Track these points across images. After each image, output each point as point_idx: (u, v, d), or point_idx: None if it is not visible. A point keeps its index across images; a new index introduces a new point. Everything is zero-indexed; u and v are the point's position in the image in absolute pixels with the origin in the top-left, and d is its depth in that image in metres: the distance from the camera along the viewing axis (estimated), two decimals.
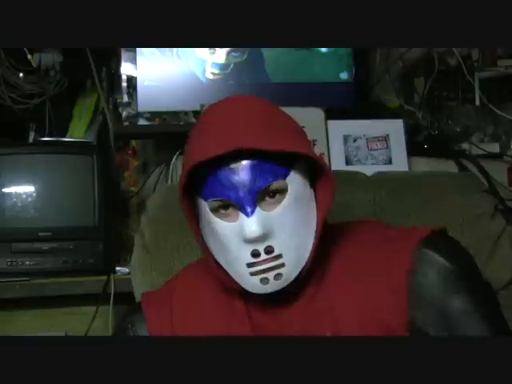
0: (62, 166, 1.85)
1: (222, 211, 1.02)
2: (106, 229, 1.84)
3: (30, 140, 2.01)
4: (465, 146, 2.19)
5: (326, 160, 1.93)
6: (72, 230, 1.81)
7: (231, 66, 2.10)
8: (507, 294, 1.38)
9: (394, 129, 2.03)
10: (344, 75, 2.16)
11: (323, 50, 2.15)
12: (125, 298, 1.67)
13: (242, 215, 1.00)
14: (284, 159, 1.01)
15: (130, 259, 1.53)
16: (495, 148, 2.21)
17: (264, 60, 2.12)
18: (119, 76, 2.04)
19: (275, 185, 1.01)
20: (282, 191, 1.01)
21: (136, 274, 1.43)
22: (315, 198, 1.06)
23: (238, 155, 0.99)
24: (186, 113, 2.06)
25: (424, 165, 2.04)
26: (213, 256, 1.06)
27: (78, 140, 2.09)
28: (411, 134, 2.11)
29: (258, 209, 1.00)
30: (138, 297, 1.42)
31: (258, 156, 0.99)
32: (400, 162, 1.98)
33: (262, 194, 1.00)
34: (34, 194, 1.81)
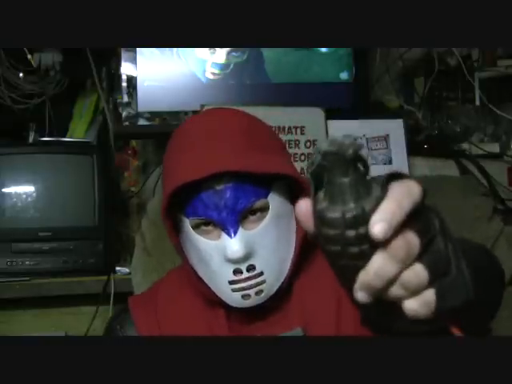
0: (61, 165, 1.85)
1: (204, 228, 1.03)
2: (106, 229, 1.84)
3: (30, 140, 2.01)
4: (465, 146, 2.19)
5: None
6: (72, 230, 1.81)
7: (231, 66, 2.10)
8: (506, 295, 1.38)
9: (394, 129, 2.03)
10: (344, 75, 2.16)
11: (323, 50, 2.15)
12: (125, 298, 1.66)
13: (224, 235, 1.01)
14: (265, 177, 1.01)
15: (130, 259, 1.54)
16: (495, 148, 2.21)
17: (264, 60, 2.12)
18: (119, 76, 2.04)
19: (258, 204, 1.02)
20: (264, 209, 1.02)
21: (137, 276, 1.44)
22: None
23: (220, 176, 0.99)
24: (186, 113, 2.06)
25: (424, 165, 2.04)
26: (195, 271, 1.07)
27: (78, 140, 2.09)
28: (411, 134, 2.11)
29: (240, 229, 1.01)
30: None
31: (239, 176, 1.00)
32: (400, 162, 1.98)
33: (244, 214, 1.01)
34: (34, 194, 1.81)
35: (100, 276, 1.77)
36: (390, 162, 1.99)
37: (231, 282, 1.02)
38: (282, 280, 1.05)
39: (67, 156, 1.87)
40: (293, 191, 1.07)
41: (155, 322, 1.13)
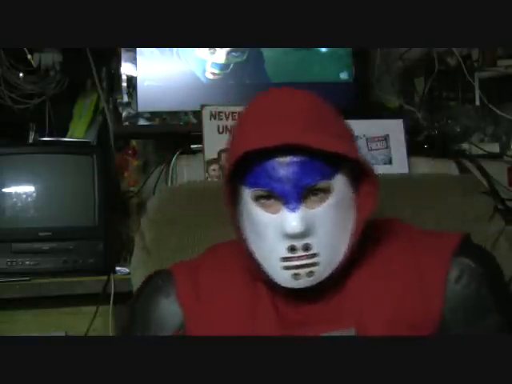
0: (62, 165, 1.85)
1: (264, 201, 1.03)
2: (106, 229, 1.84)
3: (30, 140, 2.01)
4: (465, 146, 2.19)
5: None
6: (72, 230, 1.81)
7: (231, 66, 2.10)
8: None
9: (394, 129, 2.03)
10: (344, 75, 2.16)
11: (323, 50, 2.15)
12: (125, 298, 1.67)
13: (284, 209, 1.01)
14: (331, 160, 1.01)
15: (130, 259, 1.53)
16: (495, 148, 2.21)
17: (264, 60, 2.12)
18: (119, 76, 2.04)
19: (321, 184, 1.01)
20: (326, 191, 1.02)
21: (136, 275, 1.43)
22: (356, 200, 1.06)
23: (287, 149, 0.99)
24: (185, 113, 2.06)
25: (424, 165, 2.04)
26: (247, 244, 1.06)
27: (78, 140, 2.09)
28: (411, 133, 2.11)
29: (301, 205, 1.00)
30: None
31: (307, 153, 0.99)
32: (400, 162, 1.98)
33: (306, 192, 1.01)
34: (34, 194, 1.81)
35: (100, 276, 1.77)
36: (390, 162, 1.99)
37: (284, 259, 1.02)
38: (335, 267, 1.03)
39: (67, 156, 1.87)
40: (355, 178, 1.06)
41: (195, 295, 1.11)
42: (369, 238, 1.10)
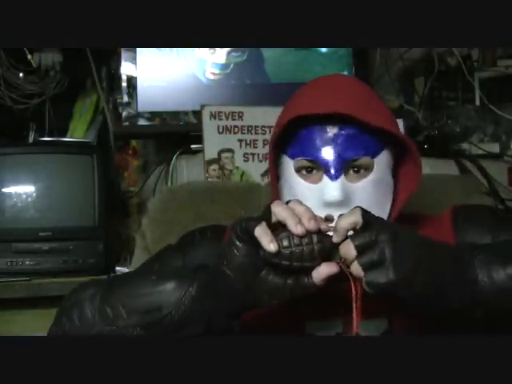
0: (62, 165, 1.85)
1: (305, 173, 1.05)
2: (106, 229, 1.84)
3: (30, 140, 2.01)
4: (465, 146, 2.19)
5: None
6: (72, 230, 1.81)
7: (231, 66, 2.10)
8: None
9: None
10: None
11: (323, 49, 2.15)
12: None
13: (325, 178, 1.03)
14: (377, 138, 1.04)
15: (130, 259, 1.53)
16: (495, 148, 2.21)
17: (264, 60, 2.12)
18: (119, 76, 2.04)
19: (363, 160, 1.04)
20: (368, 168, 1.04)
21: None
22: (395, 185, 1.09)
23: (335, 122, 1.02)
24: (185, 113, 2.06)
25: (424, 165, 2.02)
26: None
27: (78, 140, 2.09)
28: (411, 134, 2.11)
29: (342, 176, 1.03)
30: None
31: (354, 128, 1.02)
32: None
33: (348, 165, 1.03)
34: (34, 194, 1.81)
35: (100, 276, 1.77)
36: None
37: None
38: None
39: (67, 156, 1.87)
40: (396, 163, 1.09)
41: None
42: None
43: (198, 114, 1.97)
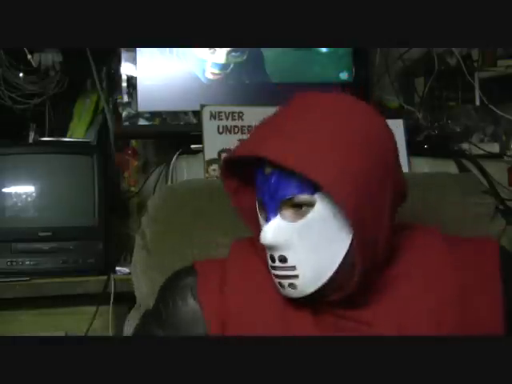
0: (62, 165, 1.85)
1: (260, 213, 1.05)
2: (106, 229, 1.84)
3: (30, 140, 2.01)
4: (465, 146, 2.19)
5: None
6: (72, 230, 1.81)
7: (231, 66, 2.10)
8: None
9: (394, 129, 2.00)
10: (344, 75, 2.16)
11: (323, 50, 2.15)
12: (125, 298, 1.67)
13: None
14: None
15: (130, 259, 1.53)
16: (495, 148, 2.21)
17: (264, 60, 2.12)
18: (119, 76, 2.04)
19: (300, 198, 0.99)
20: (309, 205, 0.99)
21: (137, 274, 1.43)
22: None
23: (270, 161, 0.99)
24: (185, 113, 2.06)
25: (424, 165, 2.04)
26: None
27: (78, 140, 2.09)
28: (411, 134, 2.11)
29: (278, 217, 1.00)
30: (138, 297, 1.42)
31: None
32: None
33: (286, 204, 1.00)
34: (34, 194, 1.81)
35: (100, 276, 1.77)
36: None
37: (270, 267, 1.03)
38: (322, 282, 1.00)
39: (67, 156, 1.87)
40: None
41: (218, 294, 1.09)
42: (405, 245, 1.09)
43: (197, 114, 1.97)
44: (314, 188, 0.98)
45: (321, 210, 0.99)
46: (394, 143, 1.06)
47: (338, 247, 1.00)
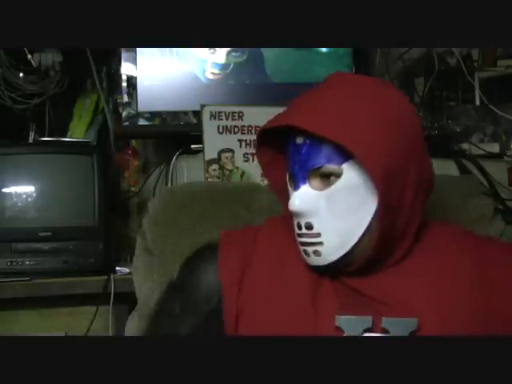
0: (62, 165, 1.85)
1: (290, 183, 1.09)
2: (106, 229, 1.84)
3: (30, 140, 2.00)
4: (465, 146, 2.19)
5: None
6: (72, 230, 1.81)
7: (231, 66, 2.10)
8: None
9: None
10: None
11: (323, 49, 2.15)
12: (125, 298, 1.67)
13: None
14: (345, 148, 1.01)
15: (130, 259, 1.53)
16: (495, 148, 2.21)
17: (264, 60, 2.12)
18: (119, 76, 2.04)
19: (328, 168, 1.04)
20: (336, 175, 1.03)
21: (138, 275, 1.43)
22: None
23: (303, 132, 1.03)
24: (185, 113, 2.06)
25: None
26: None
27: (78, 140, 2.09)
28: None
29: (306, 186, 1.05)
30: (139, 297, 1.42)
31: (317, 137, 1.02)
32: None
33: (314, 173, 1.04)
34: (34, 194, 1.81)
35: (100, 276, 1.77)
36: None
37: (297, 235, 1.07)
38: (346, 250, 1.04)
39: (67, 156, 1.86)
40: None
41: (240, 268, 1.12)
42: (428, 238, 1.12)
43: (197, 114, 1.97)
44: (342, 159, 1.03)
45: (347, 180, 1.03)
46: (421, 129, 1.10)
47: (362, 216, 1.04)
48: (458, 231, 1.16)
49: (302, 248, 1.07)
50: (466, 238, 1.14)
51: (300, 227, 1.05)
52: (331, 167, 1.03)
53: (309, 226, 1.04)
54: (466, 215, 1.46)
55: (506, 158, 2.19)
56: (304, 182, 1.05)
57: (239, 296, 1.10)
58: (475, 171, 2.06)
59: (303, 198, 1.04)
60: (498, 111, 2.20)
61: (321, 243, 1.04)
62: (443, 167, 2.04)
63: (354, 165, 1.03)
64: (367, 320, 1.03)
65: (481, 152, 2.17)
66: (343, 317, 1.03)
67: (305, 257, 1.07)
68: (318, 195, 1.04)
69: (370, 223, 1.04)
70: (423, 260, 1.09)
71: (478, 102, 2.26)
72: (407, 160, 1.04)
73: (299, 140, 1.05)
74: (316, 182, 1.05)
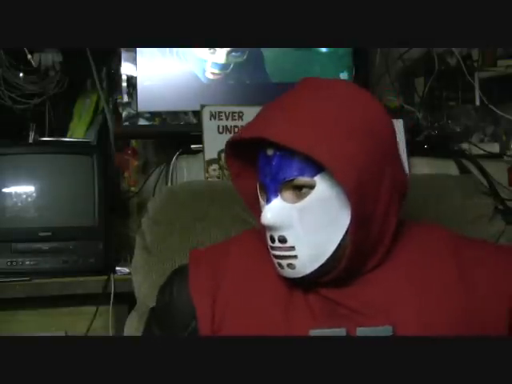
0: (62, 165, 1.85)
1: (261, 195, 1.07)
2: (106, 229, 1.84)
3: (30, 140, 2.00)
4: (465, 146, 2.19)
5: None
6: (72, 230, 1.81)
7: (231, 66, 2.10)
8: None
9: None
10: (344, 75, 2.16)
11: (323, 49, 2.15)
12: (125, 298, 1.67)
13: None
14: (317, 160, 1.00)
15: (130, 259, 1.53)
16: (495, 148, 2.21)
17: (264, 60, 2.12)
18: (119, 76, 2.04)
19: (300, 180, 1.02)
20: (309, 187, 1.02)
21: (137, 275, 1.43)
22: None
23: (273, 143, 1.01)
24: (185, 113, 2.06)
25: (424, 165, 2.04)
26: None
27: (78, 140, 2.09)
28: (411, 134, 2.11)
29: (278, 198, 1.02)
30: (138, 297, 1.42)
31: (289, 149, 1.00)
32: None
33: (286, 186, 1.02)
34: (34, 194, 1.81)
35: (100, 276, 1.77)
36: None
37: (270, 248, 1.05)
38: (321, 263, 1.03)
39: (67, 156, 1.86)
40: None
41: (212, 284, 1.11)
42: (405, 240, 1.10)
43: (197, 114, 1.97)
44: (315, 171, 1.01)
45: (320, 192, 1.01)
46: (393, 130, 1.08)
47: (336, 229, 1.02)
48: (436, 231, 1.13)
49: (275, 261, 1.05)
50: (445, 238, 1.11)
51: (273, 240, 1.03)
52: (304, 180, 1.01)
53: (282, 240, 1.02)
54: (465, 215, 1.46)
55: (505, 157, 2.19)
56: (276, 195, 1.02)
57: (214, 316, 1.09)
58: (475, 171, 2.06)
59: (275, 211, 1.01)
60: (498, 111, 2.20)
61: (295, 256, 1.02)
62: (443, 167, 2.04)
63: (326, 176, 1.01)
64: (341, 332, 1.02)
65: (481, 152, 2.17)
66: (317, 330, 1.02)
67: (279, 269, 1.05)
68: (290, 208, 1.02)
69: (345, 234, 1.02)
70: (400, 264, 1.08)
71: (478, 102, 2.26)
72: (381, 166, 1.02)
73: (270, 152, 1.03)
74: (288, 194, 1.02)
